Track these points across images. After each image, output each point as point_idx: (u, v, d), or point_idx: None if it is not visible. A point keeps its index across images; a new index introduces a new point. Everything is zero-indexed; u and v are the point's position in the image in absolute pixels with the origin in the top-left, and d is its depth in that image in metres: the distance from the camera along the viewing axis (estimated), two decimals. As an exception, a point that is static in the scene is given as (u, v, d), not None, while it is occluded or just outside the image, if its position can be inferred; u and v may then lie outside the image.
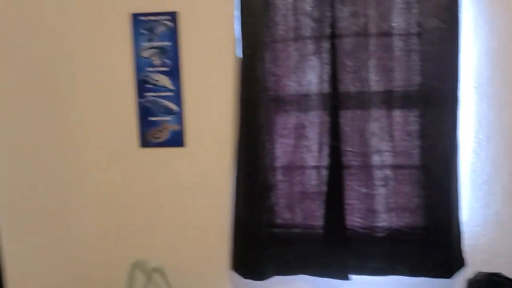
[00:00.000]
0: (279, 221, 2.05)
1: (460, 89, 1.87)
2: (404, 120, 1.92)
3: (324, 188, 1.98)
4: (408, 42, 1.88)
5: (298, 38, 1.94)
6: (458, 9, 1.83)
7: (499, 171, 1.95)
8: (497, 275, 1.88)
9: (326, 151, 1.97)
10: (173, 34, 2.06)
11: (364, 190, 1.97)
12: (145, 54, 2.10)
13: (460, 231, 1.95)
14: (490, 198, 1.97)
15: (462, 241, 1.96)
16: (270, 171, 2.01)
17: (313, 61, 1.94)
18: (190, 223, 2.15)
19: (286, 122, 2.00)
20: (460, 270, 1.96)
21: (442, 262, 1.94)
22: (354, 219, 1.99)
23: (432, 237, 1.94)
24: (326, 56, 1.93)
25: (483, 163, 1.96)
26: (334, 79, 1.93)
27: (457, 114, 1.88)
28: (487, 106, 1.93)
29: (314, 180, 2.00)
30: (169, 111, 2.09)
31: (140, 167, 2.16)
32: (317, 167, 1.99)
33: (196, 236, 2.15)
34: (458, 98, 1.88)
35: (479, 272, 1.90)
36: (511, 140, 1.93)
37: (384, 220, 1.98)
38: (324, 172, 1.98)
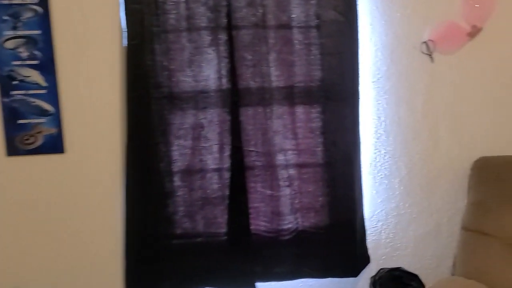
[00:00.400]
0: (178, 231, 1.94)
1: (360, 84, 1.88)
2: (307, 117, 1.91)
3: (227, 192, 1.91)
4: (308, 35, 1.86)
5: (192, 28, 1.82)
6: (355, 2, 1.83)
7: (397, 165, 1.99)
8: (398, 270, 1.91)
9: (227, 152, 1.89)
10: (43, 21, 1.81)
11: (269, 191, 1.93)
12: (9, 44, 1.82)
13: (364, 227, 1.97)
14: (390, 192, 2.01)
15: (366, 238, 1.98)
16: (166, 176, 1.90)
17: (210, 54, 1.84)
18: (74, 241, 1.94)
19: (182, 121, 1.88)
20: (365, 267, 1.98)
21: (348, 260, 1.97)
22: (259, 223, 1.96)
23: (338, 236, 1.96)
24: (223, 48, 1.83)
25: (383, 158, 1.99)
26: (233, 74, 1.85)
27: (358, 109, 1.90)
28: (385, 101, 1.95)
29: (216, 183, 1.92)
30: (42, 112, 1.86)
31: (9, 180, 1.90)
32: (218, 170, 1.91)
33: (81, 256, 1.95)
34: (358, 93, 1.89)
35: (381, 269, 1.93)
36: (407, 135, 1.98)
37: (289, 222, 1.95)
38: (226, 175, 1.90)
